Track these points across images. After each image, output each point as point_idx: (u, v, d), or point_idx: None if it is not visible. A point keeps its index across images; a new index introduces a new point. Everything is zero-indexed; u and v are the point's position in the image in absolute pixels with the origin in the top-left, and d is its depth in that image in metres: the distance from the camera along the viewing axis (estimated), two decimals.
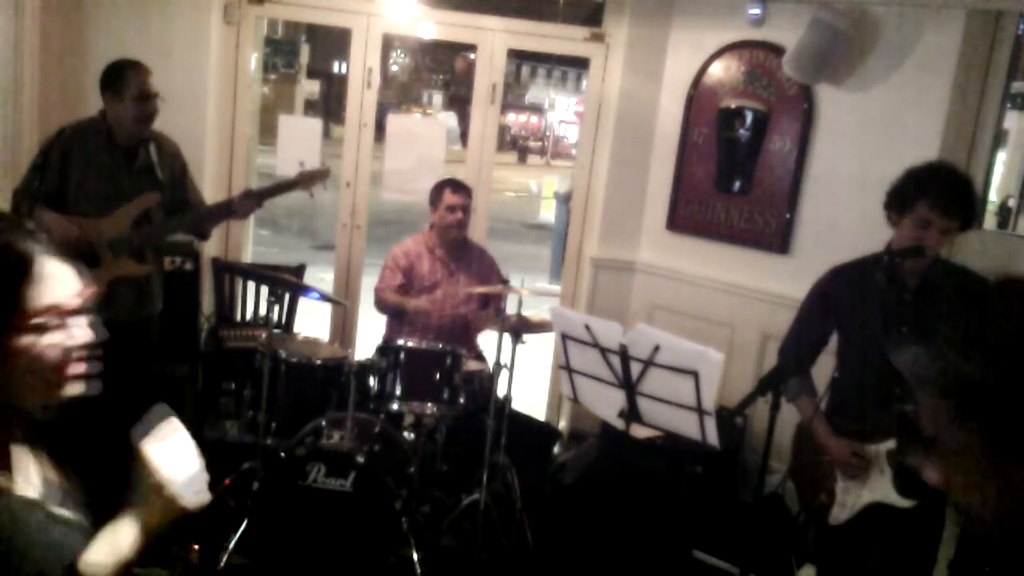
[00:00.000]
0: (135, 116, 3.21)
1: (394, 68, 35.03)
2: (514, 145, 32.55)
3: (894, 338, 2.42)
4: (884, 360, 2.43)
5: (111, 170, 3.22)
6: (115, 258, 3.18)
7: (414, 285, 3.95)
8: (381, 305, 3.97)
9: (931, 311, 2.40)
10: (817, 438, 2.56)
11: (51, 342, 1.19)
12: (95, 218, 3.17)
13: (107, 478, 1.39)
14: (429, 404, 3.32)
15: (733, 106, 4.13)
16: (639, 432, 2.87)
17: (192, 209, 3.44)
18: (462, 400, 3.38)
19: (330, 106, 24.61)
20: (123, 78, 3.18)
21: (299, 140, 4.64)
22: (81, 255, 3.09)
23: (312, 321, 4.88)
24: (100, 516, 1.32)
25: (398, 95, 33.25)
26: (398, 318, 3.96)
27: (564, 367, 2.68)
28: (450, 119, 21.39)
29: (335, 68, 29.27)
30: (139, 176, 3.27)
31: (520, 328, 3.38)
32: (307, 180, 3.44)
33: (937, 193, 2.34)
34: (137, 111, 3.20)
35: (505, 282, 4.14)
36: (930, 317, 2.39)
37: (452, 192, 3.93)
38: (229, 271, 4.44)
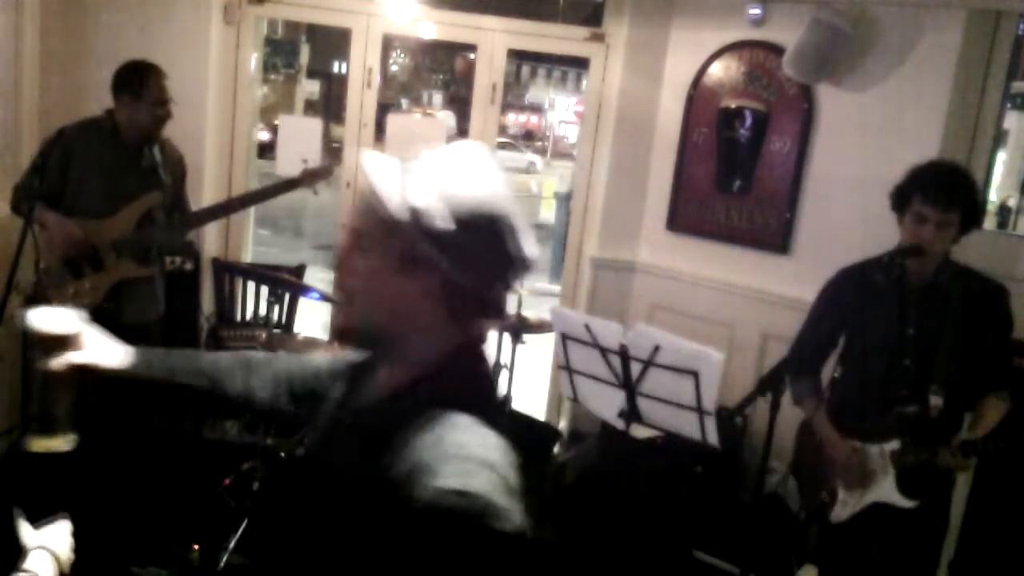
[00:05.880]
0: (153, 120, 3.21)
1: (394, 68, 35.02)
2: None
3: (901, 339, 2.41)
4: (887, 361, 2.46)
5: (115, 169, 3.21)
6: (118, 260, 3.17)
7: None
8: None
9: (938, 313, 2.39)
10: (818, 434, 2.56)
11: None
12: (97, 218, 3.16)
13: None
14: None
15: (733, 106, 4.13)
16: (639, 432, 2.87)
17: (189, 213, 3.47)
18: None
19: (330, 106, 24.60)
20: (144, 82, 3.18)
21: (299, 140, 4.64)
22: (85, 257, 3.13)
23: (312, 321, 4.88)
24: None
25: (398, 95, 33.23)
26: None
27: (564, 367, 2.69)
28: (448, 118, 21.36)
29: (335, 68, 29.25)
30: (143, 176, 3.26)
31: (520, 328, 3.38)
32: (310, 178, 3.49)
33: (930, 187, 2.33)
34: (156, 115, 3.21)
35: None
36: (937, 319, 2.39)
37: None
38: (229, 271, 4.43)
